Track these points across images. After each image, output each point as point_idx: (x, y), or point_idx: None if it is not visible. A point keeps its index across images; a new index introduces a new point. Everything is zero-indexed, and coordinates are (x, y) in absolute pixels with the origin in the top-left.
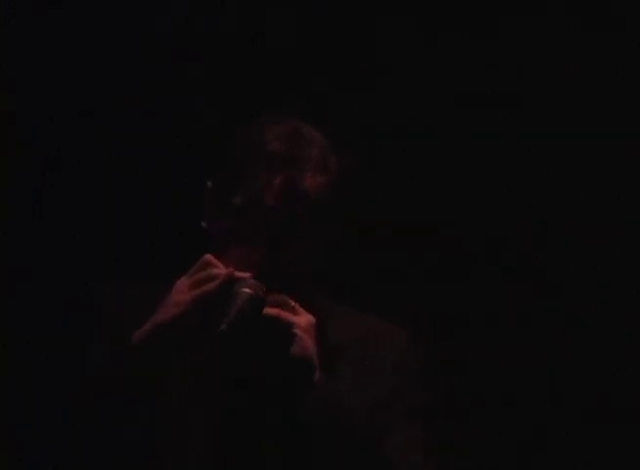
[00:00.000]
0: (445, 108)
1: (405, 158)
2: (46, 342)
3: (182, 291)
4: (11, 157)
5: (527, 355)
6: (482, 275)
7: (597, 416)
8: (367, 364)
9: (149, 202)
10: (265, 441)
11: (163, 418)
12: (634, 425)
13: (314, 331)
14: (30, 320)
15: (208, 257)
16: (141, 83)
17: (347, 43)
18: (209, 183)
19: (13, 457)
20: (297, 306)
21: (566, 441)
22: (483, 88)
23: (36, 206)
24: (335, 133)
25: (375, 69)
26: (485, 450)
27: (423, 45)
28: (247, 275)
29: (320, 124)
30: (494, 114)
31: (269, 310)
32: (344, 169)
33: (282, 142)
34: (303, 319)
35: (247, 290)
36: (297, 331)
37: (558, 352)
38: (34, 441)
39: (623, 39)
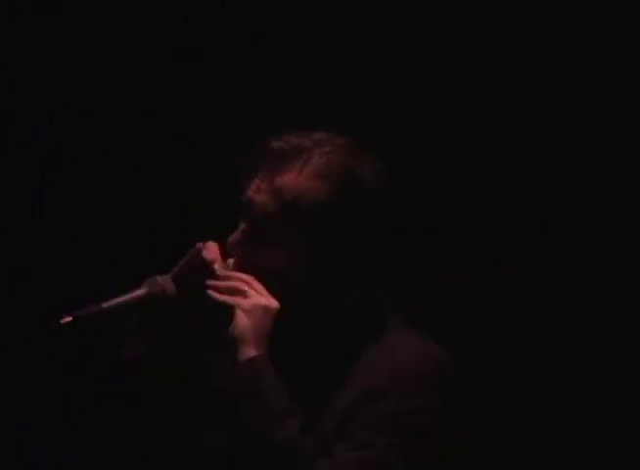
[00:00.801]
0: (445, 108)
1: (405, 158)
2: (45, 342)
3: None
4: (11, 157)
5: (527, 356)
6: (482, 275)
7: (597, 416)
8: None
9: (148, 201)
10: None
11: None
12: (634, 425)
13: (263, 314)
14: (29, 320)
15: (199, 244)
16: (141, 83)
17: (347, 43)
18: None
19: (13, 457)
20: (253, 292)
21: (566, 441)
22: (484, 88)
23: (36, 206)
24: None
25: (375, 69)
26: (485, 450)
27: (423, 45)
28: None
29: (320, 125)
30: (494, 114)
31: (218, 296)
32: (347, 184)
33: (282, 142)
34: (251, 301)
35: (142, 290)
36: (238, 311)
37: (558, 352)
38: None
39: (623, 39)
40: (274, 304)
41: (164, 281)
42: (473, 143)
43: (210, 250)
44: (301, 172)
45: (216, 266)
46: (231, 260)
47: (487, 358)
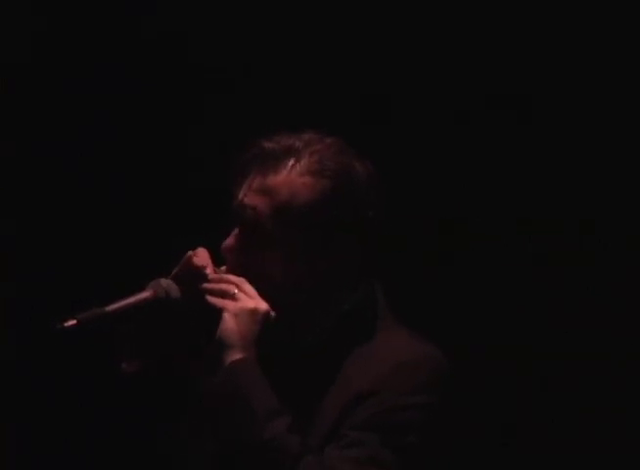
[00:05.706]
0: (445, 107)
1: (406, 158)
2: (48, 345)
3: None
4: (11, 156)
5: (523, 355)
6: (478, 275)
7: (598, 417)
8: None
9: (149, 203)
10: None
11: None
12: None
13: (249, 317)
14: (32, 323)
15: (189, 253)
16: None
17: (348, 44)
18: None
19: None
20: (242, 295)
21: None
22: (485, 88)
23: (39, 208)
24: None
25: (374, 69)
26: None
27: (422, 45)
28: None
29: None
30: (496, 114)
31: (208, 298)
32: (341, 180)
33: (273, 143)
34: (238, 304)
35: (146, 293)
36: (225, 314)
37: (554, 352)
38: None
39: (623, 39)
40: (262, 307)
41: (168, 284)
42: (472, 142)
43: (200, 256)
44: (293, 171)
45: (208, 271)
46: (224, 268)
47: (484, 358)
